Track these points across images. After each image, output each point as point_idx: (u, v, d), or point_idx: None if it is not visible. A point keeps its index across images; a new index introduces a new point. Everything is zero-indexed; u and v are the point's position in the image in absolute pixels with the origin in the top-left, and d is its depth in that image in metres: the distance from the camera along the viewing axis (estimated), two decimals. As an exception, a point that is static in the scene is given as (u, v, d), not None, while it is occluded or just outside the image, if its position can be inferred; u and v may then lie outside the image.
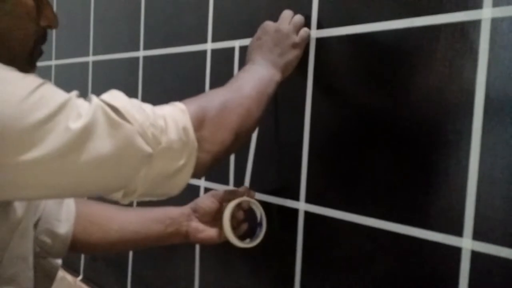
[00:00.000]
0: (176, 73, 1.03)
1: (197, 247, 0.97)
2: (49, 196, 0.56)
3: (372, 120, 0.68)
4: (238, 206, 0.77)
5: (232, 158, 0.89)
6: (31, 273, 0.63)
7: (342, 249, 0.72)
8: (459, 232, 0.58)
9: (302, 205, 0.77)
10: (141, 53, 1.13)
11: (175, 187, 0.55)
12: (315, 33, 0.75)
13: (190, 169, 0.54)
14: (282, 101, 0.80)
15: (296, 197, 0.78)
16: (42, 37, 0.59)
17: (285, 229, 0.80)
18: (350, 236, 0.70)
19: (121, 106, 0.49)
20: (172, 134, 0.51)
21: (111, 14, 1.25)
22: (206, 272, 0.96)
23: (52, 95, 0.48)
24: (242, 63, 0.87)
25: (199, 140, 0.54)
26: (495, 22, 0.55)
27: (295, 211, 0.78)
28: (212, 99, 0.60)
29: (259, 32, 0.75)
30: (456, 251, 0.59)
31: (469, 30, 0.58)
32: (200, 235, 0.79)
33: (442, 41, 0.60)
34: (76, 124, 0.46)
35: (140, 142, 0.49)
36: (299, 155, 0.77)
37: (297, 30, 0.73)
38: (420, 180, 0.62)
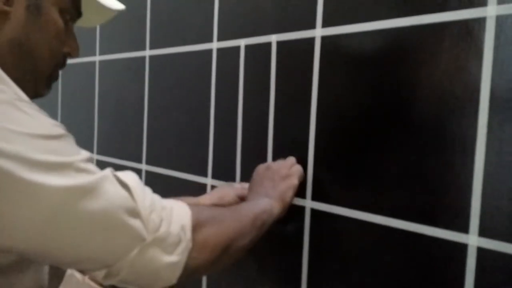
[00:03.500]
0: (182, 72, 1.04)
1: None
2: (20, 246, 0.45)
3: (377, 117, 0.68)
4: None
5: (238, 156, 0.89)
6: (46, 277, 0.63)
7: (348, 246, 0.72)
8: (465, 229, 0.59)
9: (308, 203, 0.77)
10: (147, 53, 1.14)
11: (159, 283, 0.51)
12: (321, 31, 0.75)
13: (179, 269, 0.51)
14: (288, 99, 0.81)
15: (302, 195, 0.78)
16: (62, 62, 0.61)
17: (291, 227, 0.80)
18: (357, 234, 0.71)
19: (131, 184, 0.49)
20: (172, 227, 0.50)
21: (117, 13, 1.26)
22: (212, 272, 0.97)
23: (70, 149, 0.48)
24: (247, 62, 0.87)
25: (193, 243, 0.53)
26: (500, 19, 0.55)
27: (301, 209, 0.78)
28: (211, 212, 0.60)
29: (253, 175, 0.78)
30: (462, 248, 0.59)
31: (474, 27, 0.58)
32: None
33: (447, 39, 0.60)
34: (83, 178, 0.45)
35: (139, 222, 0.48)
36: (305, 153, 0.77)
37: (288, 167, 0.76)
38: (426, 177, 0.62)
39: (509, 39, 0.55)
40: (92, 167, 0.47)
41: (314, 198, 0.76)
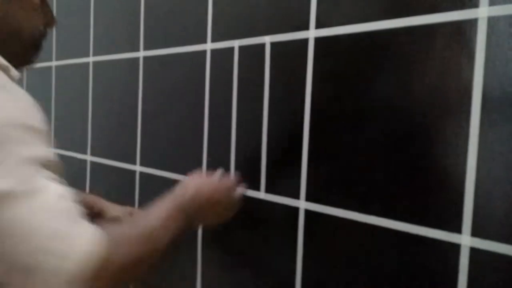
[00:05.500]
0: (176, 73, 1.04)
1: (200, 249, 0.98)
2: None
3: (370, 118, 0.68)
4: None
5: (232, 158, 0.89)
6: None
7: (342, 247, 0.72)
8: (458, 229, 0.59)
9: (302, 204, 0.77)
10: (141, 54, 1.13)
11: None
12: (314, 33, 0.75)
13: None
14: (281, 100, 0.81)
15: (296, 196, 0.78)
16: (44, 33, 0.68)
17: (285, 228, 0.80)
18: (350, 234, 0.71)
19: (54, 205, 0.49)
20: (65, 260, 0.48)
21: (111, 14, 1.26)
22: (208, 273, 0.97)
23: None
24: (241, 63, 0.87)
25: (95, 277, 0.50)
26: (491, 20, 0.56)
27: (295, 210, 0.78)
28: (127, 243, 0.56)
29: (207, 186, 0.75)
30: (455, 248, 0.59)
31: (466, 29, 0.58)
32: None
33: (439, 40, 0.60)
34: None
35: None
36: (299, 153, 0.77)
37: (232, 192, 0.79)
38: (419, 178, 0.63)
39: (501, 40, 0.55)
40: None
41: (308, 199, 0.77)
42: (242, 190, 0.84)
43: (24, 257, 0.46)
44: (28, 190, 0.47)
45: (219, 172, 0.86)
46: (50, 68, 1.53)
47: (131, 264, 0.55)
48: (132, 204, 1.16)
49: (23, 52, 0.64)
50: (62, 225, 0.48)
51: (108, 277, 0.51)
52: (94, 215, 0.89)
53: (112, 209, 0.94)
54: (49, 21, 0.68)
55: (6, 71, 0.56)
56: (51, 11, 0.69)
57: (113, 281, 0.53)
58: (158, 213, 0.63)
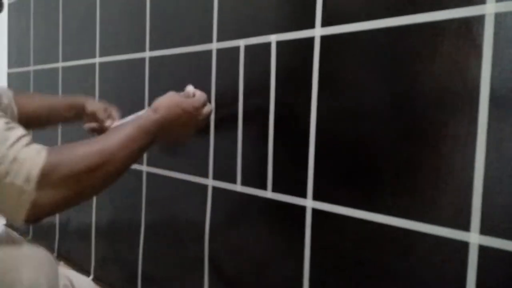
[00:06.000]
0: (182, 73, 1.04)
1: (207, 247, 0.98)
2: None
3: (378, 116, 0.68)
4: None
5: (239, 157, 0.90)
6: None
7: (349, 245, 0.72)
8: (466, 227, 0.59)
9: (309, 202, 0.77)
10: (147, 54, 1.14)
11: (13, 221, 0.61)
12: (320, 31, 0.75)
13: (23, 213, 0.59)
14: (288, 99, 0.81)
15: (303, 194, 0.78)
16: None
17: (292, 227, 0.80)
18: (357, 232, 0.71)
19: None
20: (15, 179, 0.57)
21: (117, 15, 1.26)
22: (216, 272, 0.97)
23: None
24: (247, 62, 0.87)
25: (39, 189, 0.59)
26: (498, 17, 0.55)
27: (302, 209, 0.78)
28: (79, 154, 0.63)
29: (180, 100, 0.81)
30: (463, 246, 0.59)
31: (473, 25, 0.58)
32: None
33: (446, 37, 0.60)
34: None
35: None
36: (306, 152, 0.77)
37: (199, 108, 0.83)
38: (427, 176, 0.63)
39: (508, 37, 0.55)
40: None
41: (315, 197, 0.77)
42: (210, 108, 0.86)
43: None
44: None
45: (190, 89, 0.87)
46: (56, 69, 1.54)
47: (79, 172, 0.62)
48: (139, 204, 1.16)
49: None
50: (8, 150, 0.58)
51: (56, 182, 0.60)
52: (80, 112, 1.05)
53: (90, 105, 1.04)
54: None
55: None
56: None
57: (62, 186, 0.61)
58: (117, 134, 0.69)
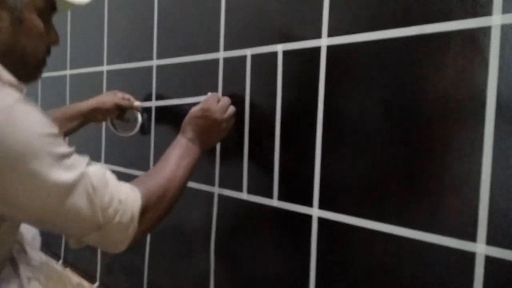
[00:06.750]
0: (189, 81, 1.05)
1: (213, 255, 0.98)
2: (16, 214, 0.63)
3: (384, 125, 0.68)
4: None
5: (245, 165, 0.90)
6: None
7: (356, 255, 0.72)
8: (472, 237, 0.59)
9: (315, 211, 0.77)
10: (154, 62, 1.15)
11: (116, 250, 0.69)
12: (326, 41, 0.76)
13: (126, 244, 0.68)
14: (294, 108, 0.81)
15: (309, 203, 0.78)
16: (47, 51, 0.73)
17: (298, 236, 0.80)
18: (364, 242, 0.71)
19: (96, 184, 0.62)
20: (123, 217, 0.65)
21: (125, 24, 1.27)
22: (221, 280, 0.97)
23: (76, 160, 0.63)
24: (254, 72, 0.88)
25: (140, 221, 0.68)
26: (505, 28, 0.56)
27: (308, 218, 0.78)
28: (156, 184, 0.74)
29: (198, 111, 0.87)
30: (470, 257, 0.59)
31: (479, 36, 0.58)
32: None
33: (452, 48, 0.60)
34: (67, 176, 0.59)
35: (99, 215, 0.63)
36: (312, 161, 0.77)
37: (225, 111, 0.88)
38: (434, 186, 0.63)
39: (515, 48, 0.55)
40: (75, 161, 0.61)
41: (322, 206, 0.77)
42: (233, 108, 0.90)
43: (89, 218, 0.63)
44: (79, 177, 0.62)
45: (210, 97, 0.90)
46: (64, 77, 1.55)
47: (161, 200, 0.74)
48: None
49: (27, 72, 0.69)
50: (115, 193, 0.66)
51: (150, 214, 0.71)
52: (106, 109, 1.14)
53: (107, 99, 1.14)
54: (53, 40, 0.74)
55: (18, 88, 0.60)
56: (55, 31, 0.74)
57: (154, 216, 0.72)
58: (169, 159, 0.80)
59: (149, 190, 0.72)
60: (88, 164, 0.64)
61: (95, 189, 0.62)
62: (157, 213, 0.73)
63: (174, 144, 0.84)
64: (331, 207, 0.75)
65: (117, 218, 0.65)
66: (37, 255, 0.83)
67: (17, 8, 0.65)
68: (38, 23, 0.68)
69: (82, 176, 0.61)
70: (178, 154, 0.81)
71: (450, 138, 0.61)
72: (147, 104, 1.15)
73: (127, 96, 1.15)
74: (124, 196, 0.66)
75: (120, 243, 0.68)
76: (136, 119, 1.17)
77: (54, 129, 0.59)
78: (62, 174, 0.58)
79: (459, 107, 0.60)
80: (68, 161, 0.60)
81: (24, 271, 0.77)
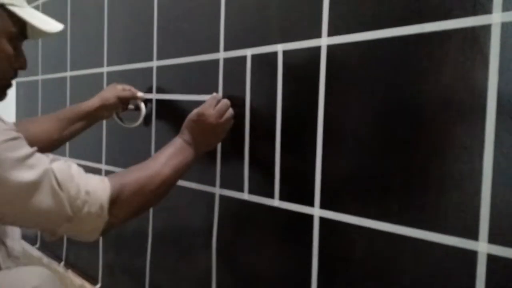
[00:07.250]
0: (189, 82, 1.05)
1: (214, 255, 0.98)
2: None
3: (385, 124, 0.68)
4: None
5: (246, 165, 0.90)
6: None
7: (358, 254, 0.72)
8: (474, 236, 0.59)
9: (317, 211, 0.77)
10: (155, 63, 1.15)
11: (89, 239, 0.72)
12: (326, 40, 0.75)
13: (98, 233, 0.72)
14: (294, 108, 0.81)
15: (310, 203, 0.78)
16: (14, 75, 0.77)
17: (300, 236, 0.80)
18: (366, 242, 0.71)
19: (60, 178, 0.65)
20: (91, 208, 0.68)
21: (125, 25, 1.27)
22: (223, 281, 0.97)
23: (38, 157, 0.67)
24: (254, 71, 0.88)
25: (111, 212, 0.70)
26: (505, 26, 0.55)
27: (310, 217, 0.78)
28: (133, 178, 0.76)
29: (194, 116, 0.87)
30: (472, 255, 0.59)
31: (479, 35, 0.58)
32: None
33: (452, 47, 0.60)
34: (30, 174, 0.63)
35: (67, 207, 0.66)
36: (313, 160, 0.77)
37: (222, 115, 0.88)
38: (435, 185, 0.62)
39: (515, 46, 0.55)
40: (37, 160, 0.64)
41: (323, 206, 0.77)
42: (231, 112, 0.90)
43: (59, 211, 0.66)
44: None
45: (208, 100, 0.90)
46: (65, 78, 1.55)
47: (135, 193, 0.74)
48: (147, 213, 1.17)
49: None
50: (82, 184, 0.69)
51: (121, 204, 0.72)
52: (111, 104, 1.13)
53: (111, 93, 1.13)
54: (21, 65, 0.77)
55: None
56: (23, 56, 0.78)
57: (126, 206, 0.73)
58: (159, 157, 0.82)
59: (122, 182, 0.73)
60: (52, 160, 0.67)
61: (60, 183, 0.65)
62: (132, 205, 0.74)
63: (169, 143, 0.86)
64: (333, 206, 0.75)
65: (85, 209, 0.67)
66: (17, 246, 0.88)
67: None
68: (7, 48, 0.73)
69: (45, 173, 0.64)
70: (169, 153, 0.83)
71: (451, 136, 0.61)
72: (149, 95, 1.16)
73: (127, 87, 1.15)
74: (92, 188, 0.69)
75: (92, 232, 0.71)
76: (139, 107, 1.16)
77: (13, 133, 0.63)
78: (25, 174, 0.62)
79: (460, 105, 0.60)
80: (30, 161, 0.63)
81: (3, 264, 0.83)
